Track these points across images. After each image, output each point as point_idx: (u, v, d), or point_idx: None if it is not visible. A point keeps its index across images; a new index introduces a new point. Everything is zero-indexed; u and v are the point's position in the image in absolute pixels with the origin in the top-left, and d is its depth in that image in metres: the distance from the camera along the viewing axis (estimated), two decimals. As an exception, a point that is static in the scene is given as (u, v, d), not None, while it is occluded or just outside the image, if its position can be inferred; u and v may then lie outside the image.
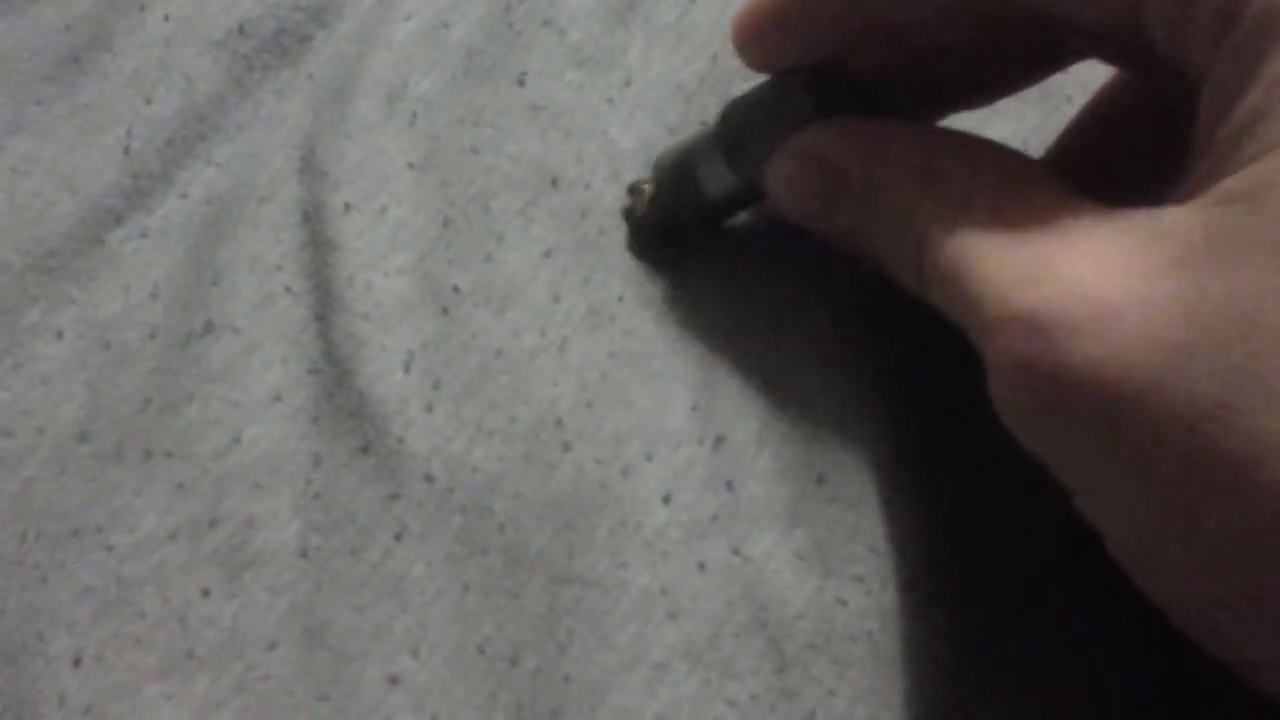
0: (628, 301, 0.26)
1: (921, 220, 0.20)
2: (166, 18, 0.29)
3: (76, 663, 0.22)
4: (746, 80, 0.26)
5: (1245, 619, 0.17)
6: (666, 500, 0.23)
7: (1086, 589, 0.23)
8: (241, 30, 0.29)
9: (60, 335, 0.26)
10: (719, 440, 0.24)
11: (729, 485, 0.24)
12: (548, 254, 0.26)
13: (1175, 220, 0.17)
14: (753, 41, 0.23)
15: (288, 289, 0.26)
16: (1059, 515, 0.23)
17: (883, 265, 0.22)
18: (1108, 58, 0.23)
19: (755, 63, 0.24)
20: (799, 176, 0.22)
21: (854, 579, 0.23)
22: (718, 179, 0.24)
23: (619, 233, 0.27)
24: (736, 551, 0.23)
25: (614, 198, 0.27)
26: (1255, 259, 0.16)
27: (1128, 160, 0.24)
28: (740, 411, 0.24)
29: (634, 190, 0.26)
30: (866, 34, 0.22)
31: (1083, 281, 0.17)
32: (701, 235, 0.26)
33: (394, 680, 0.22)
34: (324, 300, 0.25)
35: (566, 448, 0.24)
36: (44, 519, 0.23)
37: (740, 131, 0.24)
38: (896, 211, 0.21)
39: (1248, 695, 0.18)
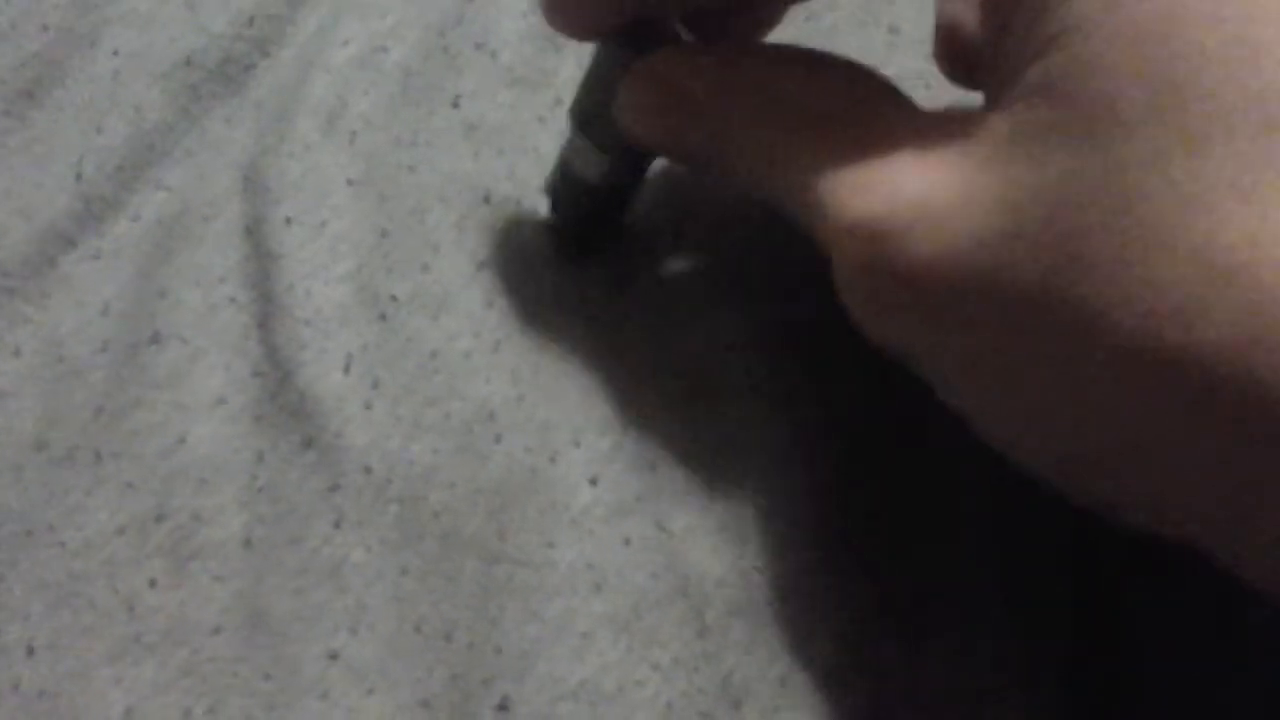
0: (559, 305, 0.27)
1: (766, 138, 0.21)
2: (115, 52, 0.30)
3: (30, 652, 0.23)
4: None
5: (1090, 467, 0.18)
6: (593, 482, 0.25)
7: (1000, 551, 0.24)
8: (188, 62, 0.30)
9: (17, 353, 0.27)
10: (644, 427, 0.25)
11: (652, 467, 0.25)
12: (481, 265, 0.27)
13: (989, 120, 0.18)
14: (559, 10, 0.23)
15: (231, 299, 0.27)
16: (976, 475, 0.24)
17: (741, 185, 0.22)
18: None
19: (569, 30, 0.24)
20: (646, 102, 0.23)
21: (770, 548, 0.24)
22: (592, 165, 0.25)
23: (551, 243, 0.28)
24: (660, 527, 0.24)
25: (545, 211, 0.28)
26: (1053, 146, 0.17)
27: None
28: (665, 400, 0.26)
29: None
30: None
31: (908, 187, 0.18)
32: (621, 238, 0.27)
33: (333, 657, 0.23)
34: (266, 308, 0.27)
35: (498, 439, 0.25)
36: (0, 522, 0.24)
37: (585, 107, 0.25)
38: (742, 132, 0.21)
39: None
